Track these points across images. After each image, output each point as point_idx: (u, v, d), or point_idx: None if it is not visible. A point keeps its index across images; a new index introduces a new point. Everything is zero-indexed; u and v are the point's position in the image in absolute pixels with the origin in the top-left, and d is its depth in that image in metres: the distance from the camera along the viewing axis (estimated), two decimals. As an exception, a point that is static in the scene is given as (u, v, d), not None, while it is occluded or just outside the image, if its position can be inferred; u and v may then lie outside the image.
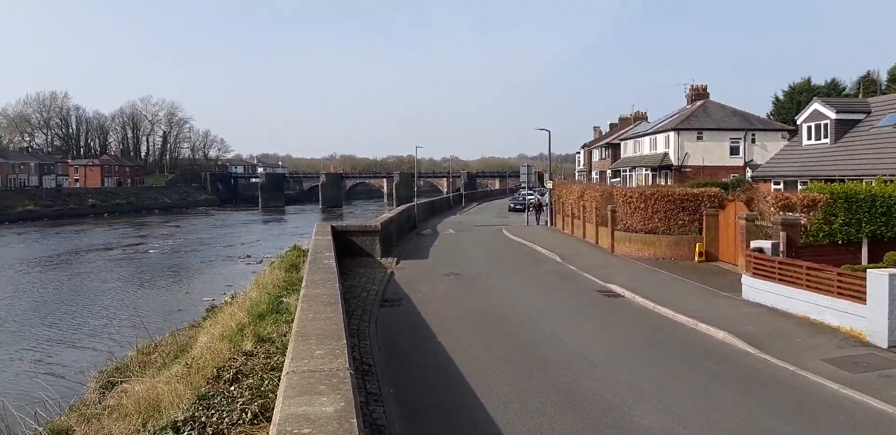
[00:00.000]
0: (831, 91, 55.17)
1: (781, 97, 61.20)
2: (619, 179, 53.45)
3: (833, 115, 25.52)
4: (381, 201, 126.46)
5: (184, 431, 6.33)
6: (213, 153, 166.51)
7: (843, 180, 21.06)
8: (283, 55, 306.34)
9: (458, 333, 12.10)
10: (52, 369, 19.64)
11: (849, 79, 66.23)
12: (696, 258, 21.26)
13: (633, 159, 51.85)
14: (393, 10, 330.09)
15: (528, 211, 40.78)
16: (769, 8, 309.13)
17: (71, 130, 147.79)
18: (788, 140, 38.70)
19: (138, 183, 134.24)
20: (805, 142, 27.15)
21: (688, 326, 13.03)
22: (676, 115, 48.72)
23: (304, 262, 17.96)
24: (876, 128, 24.18)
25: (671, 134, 45.12)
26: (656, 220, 22.48)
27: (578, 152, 77.47)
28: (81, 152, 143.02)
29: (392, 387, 8.85)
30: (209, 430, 6.13)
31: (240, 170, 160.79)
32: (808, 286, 13.11)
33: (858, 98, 36.71)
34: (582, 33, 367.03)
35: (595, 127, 78.28)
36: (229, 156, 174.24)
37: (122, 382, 11.29)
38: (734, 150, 44.63)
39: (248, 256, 46.97)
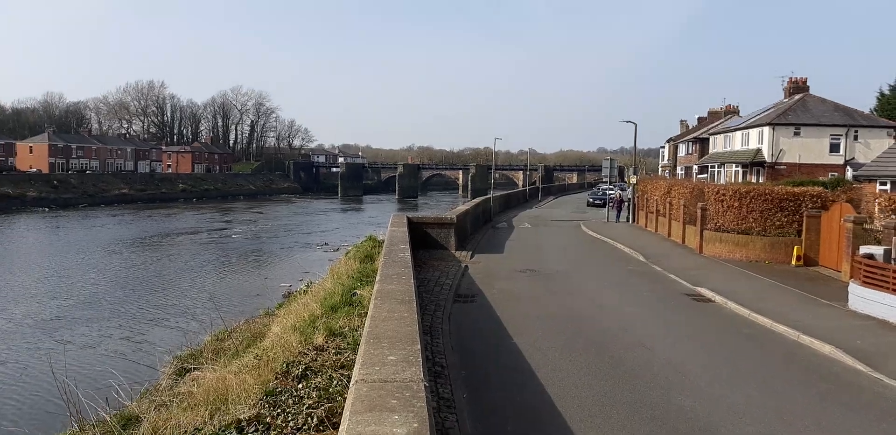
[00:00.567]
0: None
1: (887, 92, 56.77)
2: (706, 176, 51.06)
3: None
4: (456, 193, 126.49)
5: (248, 432, 6.02)
6: (297, 142, 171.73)
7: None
8: (375, 49, 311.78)
9: (536, 335, 11.47)
10: (140, 347, 20.32)
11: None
12: (794, 262, 19.77)
13: (722, 155, 49.41)
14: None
15: (609, 206, 39.46)
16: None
17: (166, 118, 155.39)
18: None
19: (226, 170, 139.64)
20: (921, 139, 24.87)
21: (788, 337, 11.93)
22: (772, 110, 45.99)
23: (379, 253, 17.74)
24: None
25: (766, 129, 42.60)
26: (751, 219, 21.10)
27: (663, 147, 74.75)
28: (174, 139, 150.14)
29: (465, 392, 8.35)
30: (272, 433, 5.80)
31: (321, 159, 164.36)
32: (929, 299, 11.78)
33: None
34: (672, 21, 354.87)
35: (682, 120, 75.01)
36: (312, 145, 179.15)
37: (194, 368, 11.32)
38: (834, 148, 41.80)
39: (326, 244, 47.82)
